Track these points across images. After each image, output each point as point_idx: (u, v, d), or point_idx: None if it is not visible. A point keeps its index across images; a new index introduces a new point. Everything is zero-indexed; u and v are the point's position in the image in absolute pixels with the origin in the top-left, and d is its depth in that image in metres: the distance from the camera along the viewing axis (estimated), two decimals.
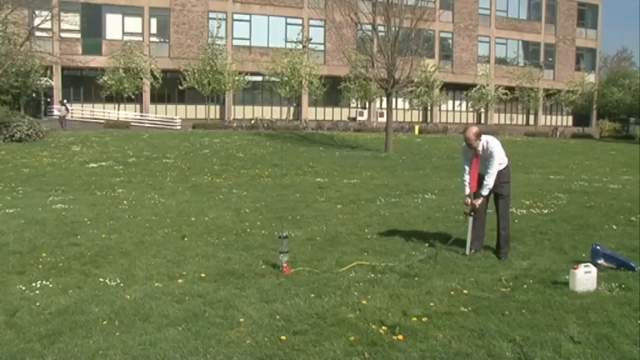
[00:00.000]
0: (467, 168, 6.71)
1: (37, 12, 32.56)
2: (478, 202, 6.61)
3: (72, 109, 36.60)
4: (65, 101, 34.72)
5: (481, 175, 6.61)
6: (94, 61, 36.23)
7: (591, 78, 52.30)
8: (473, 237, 6.69)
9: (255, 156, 21.82)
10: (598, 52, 57.27)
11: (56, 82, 37.03)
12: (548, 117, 53.47)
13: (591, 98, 49.94)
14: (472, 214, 6.70)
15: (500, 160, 6.56)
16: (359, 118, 43.90)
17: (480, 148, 6.56)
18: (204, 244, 7.13)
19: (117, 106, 37.79)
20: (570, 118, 54.67)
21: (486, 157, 6.54)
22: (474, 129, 6.59)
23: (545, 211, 9.56)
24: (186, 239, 7.41)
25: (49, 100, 37.12)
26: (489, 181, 6.50)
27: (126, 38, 37.62)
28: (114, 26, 38.55)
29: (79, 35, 37.61)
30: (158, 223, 8.44)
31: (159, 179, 15.23)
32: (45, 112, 36.51)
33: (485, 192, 6.55)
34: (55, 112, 34.76)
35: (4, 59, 27.23)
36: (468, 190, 6.73)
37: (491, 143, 6.55)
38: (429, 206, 10.19)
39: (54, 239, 7.32)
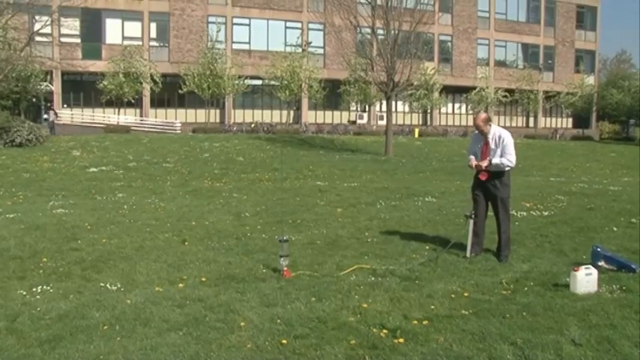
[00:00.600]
0: (472, 154, 6.83)
1: (37, 17, 32.55)
2: (484, 163, 6.61)
3: (72, 114, 36.67)
4: (65, 106, 34.72)
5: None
6: (94, 66, 36.26)
7: (591, 80, 52.28)
8: (473, 240, 6.70)
9: (255, 160, 21.83)
10: (597, 54, 57.28)
11: (56, 87, 37.07)
12: (548, 119, 53.44)
13: (591, 100, 49.93)
14: (472, 216, 6.71)
15: (513, 150, 6.61)
16: (359, 121, 43.89)
17: (490, 136, 6.65)
18: (205, 249, 7.13)
19: (117, 110, 37.79)
20: (570, 120, 54.63)
21: (499, 148, 6.59)
22: (483, 115, 6.82)
23: (546, 214, 9.55)
24: (186, 243, 7.41)
25: (49, 104, 37.16)
26: (505, 161, 6.54)
27: (126, 43, 37.60)
28: (114, 31, 38.60)
29: (78, 40, 37.64)
30: (158, 228, 8.44)
31: (159, 183, 15.25)
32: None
33: (495, 161, 6.56)
34: (44, 117, 34.79)
35: (4, 64, 27.25)
36: (473, 157, 6.79)
37: (504, 134, 6.65)
38: (429, 209, 10.19)
39: (54, 244, 7.32)
